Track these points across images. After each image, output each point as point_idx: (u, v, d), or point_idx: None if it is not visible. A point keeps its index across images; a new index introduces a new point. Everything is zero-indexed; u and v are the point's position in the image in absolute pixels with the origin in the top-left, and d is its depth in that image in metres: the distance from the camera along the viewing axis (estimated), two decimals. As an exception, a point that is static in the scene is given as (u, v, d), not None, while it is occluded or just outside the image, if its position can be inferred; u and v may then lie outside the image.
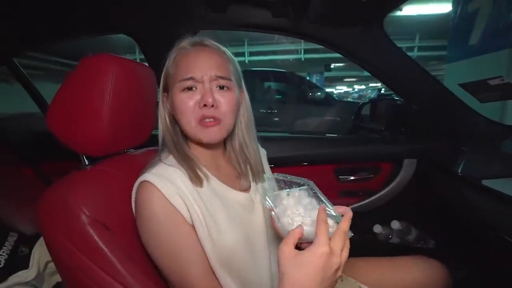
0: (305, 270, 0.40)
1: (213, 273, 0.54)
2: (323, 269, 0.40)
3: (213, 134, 0.58)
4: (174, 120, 0.62)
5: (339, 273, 0.42)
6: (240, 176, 0.67)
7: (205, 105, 0.56)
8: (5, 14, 0.99)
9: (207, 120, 0.57)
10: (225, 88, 0.59)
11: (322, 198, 0.49)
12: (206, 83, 0.57)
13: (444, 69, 3.33)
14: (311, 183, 0.53)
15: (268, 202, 0.48)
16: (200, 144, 0.62)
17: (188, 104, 0.57)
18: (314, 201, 0.49)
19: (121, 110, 0.60)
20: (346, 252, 0.43)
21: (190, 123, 0.58)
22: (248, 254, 0.58)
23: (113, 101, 0.57)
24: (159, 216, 0.52)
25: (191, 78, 0.56)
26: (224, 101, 0.58)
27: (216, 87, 0.58)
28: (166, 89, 0.62)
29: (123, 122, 0.61)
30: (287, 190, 0.51)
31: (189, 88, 0.57)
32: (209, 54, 0.59)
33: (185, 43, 0.61)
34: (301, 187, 0.52)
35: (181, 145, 0.61)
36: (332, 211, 0.47)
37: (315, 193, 0.51)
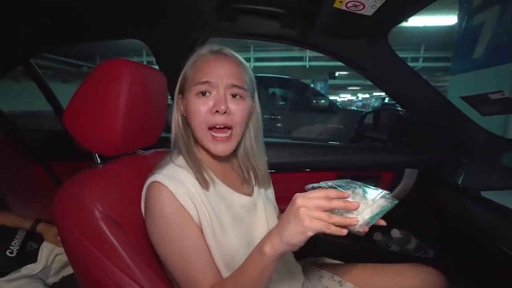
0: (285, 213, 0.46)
1: (219, 272, 0.56)
2: (291, 211, 0.45)
3: (223, 149, 0.60)
4: (187, 122, 0.63)
5: (300, 215, 0.43)
6: (244, 181, 0.69)
7: (217, 111, 0.57)
8: (25, 16, 1.03)
9: (219, 134, 0.59)
10: (238, 96, 0.60)
11: (365, 188, 0.51)
12: (221, 90, 0.58)
13: (449, 80, 3.34)
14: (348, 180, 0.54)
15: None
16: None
17: (201, 109, 0.58)
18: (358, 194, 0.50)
19: (134, 113, 0.62)
20: (315, 202, 0.44)
21: (200, 129, 0.59)
22: None
23: (127, 104, 0.59)
24: (169, 216, 0.53)
25: (207, 82, 0.58)
26: (236, 109, 0.59)
27: (230, 95, 0.59)
28: (182, 92, 0.63)
29: (135, 124, 0.63)
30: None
31: (203, 93, 0.58)
32: (228, 63, 0.60)
33: (206, 50, 0.62)
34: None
35: (192, 148, 0.62)
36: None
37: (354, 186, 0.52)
